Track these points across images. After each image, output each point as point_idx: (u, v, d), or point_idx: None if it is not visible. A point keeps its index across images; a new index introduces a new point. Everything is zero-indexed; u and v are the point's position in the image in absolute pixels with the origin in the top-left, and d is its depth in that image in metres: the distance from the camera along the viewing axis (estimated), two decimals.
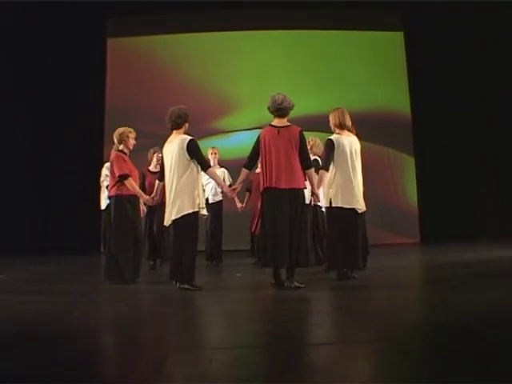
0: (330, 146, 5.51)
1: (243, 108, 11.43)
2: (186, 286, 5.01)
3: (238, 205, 7.89)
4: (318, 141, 6.91)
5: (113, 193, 5.76)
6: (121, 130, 5.94)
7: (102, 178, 7.15)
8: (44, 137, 11.34)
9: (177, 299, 4.81)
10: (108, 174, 6.45)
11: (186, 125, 5.30)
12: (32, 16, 10.89)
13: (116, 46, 11.67)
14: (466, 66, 11.11)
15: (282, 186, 4.92)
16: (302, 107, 11.26)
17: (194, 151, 5.10)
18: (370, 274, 5.87)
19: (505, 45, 10.71)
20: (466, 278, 5.48)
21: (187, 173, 5.06)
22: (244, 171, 5.28)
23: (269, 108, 5.17)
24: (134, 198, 5.81)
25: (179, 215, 5.02)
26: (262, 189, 5.08)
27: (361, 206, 5.54)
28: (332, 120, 5.70)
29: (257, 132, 10.80)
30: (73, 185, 10.88)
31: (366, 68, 11.56)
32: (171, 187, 5.10)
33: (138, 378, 2.44)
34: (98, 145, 10.84)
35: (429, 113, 11.21)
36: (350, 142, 5.58)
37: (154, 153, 7.47)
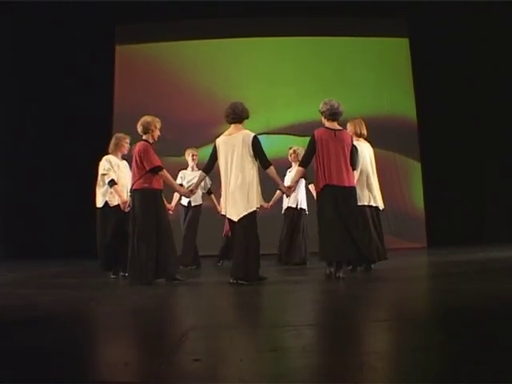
0: (355, 152, 5.73)
1: (251, 113, 11.38)
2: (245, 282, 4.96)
3: (219, 207, 7.72)
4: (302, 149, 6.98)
5: (138, 186, 5.40)
6: (148, 118, 5.66)
7: (103, 172, 6.07)
8: (51, 142, 11.41)
9: (193, 292, 4.86)
10: (110, 167, 6.03)
11: (245, 121, 5.38)
12: (40, 22, 11.02)
13: (124, 52, 11.78)
14: (471, 72, 11.18)
15: (345, 183, 5.28)
16: (309, 113, 11.33)
17: (258, 147, 5.16)
18: (381, 271, 5.96)
19: (510, 50, 10.79)
20: (477, 272, 5.53)
21: (251, 168, 5.10)
22: (300, 170, 5.56)
23: (323, 112, 5.51)
24: (161, 193, 5.57)
25: (249, 211, 5.02)
26: (321, 186, 5.30)
27: (381, 204, 6.33)
28: (351, 128, 6.22)
29: (264, 137, 11.17)
30: (79, 190, 10.91)
31: (372, 74, 11.64)
32: (234, 181, 5.07)
33: (162, 352, 2.49)
34: (105, 150, 10.89)
35: (435, 118, 11.26)
36: (367, 149, 6.27)
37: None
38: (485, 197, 11.58)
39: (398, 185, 11.56)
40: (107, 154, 6.35)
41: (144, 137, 5.60)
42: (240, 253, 4.95)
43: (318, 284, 5.10)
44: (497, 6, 10.18)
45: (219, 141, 5.26)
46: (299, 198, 7.44)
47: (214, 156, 5.27)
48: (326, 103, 5.53)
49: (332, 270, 5.22)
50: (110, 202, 6.03)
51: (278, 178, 5.37)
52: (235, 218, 5.04)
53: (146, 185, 5.38)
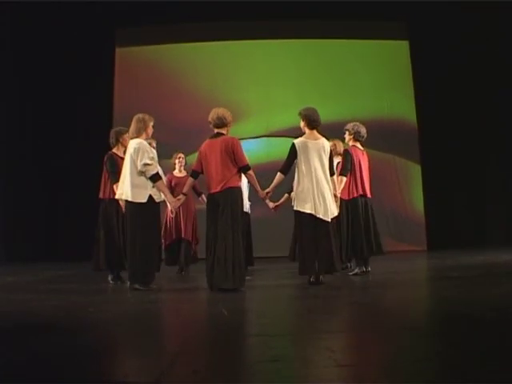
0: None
1: (251, 116, 11.49)
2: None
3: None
4: None
5: (234, 183, 5.06)
6: (226, 112, 5.31)
7: (147, 161, 5.18)
8: (51, 144, 11.38)
9: (192, 298, 4.84)
10: (154, 156, 5.28)
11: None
12: (41, 23, 11.01)
13: (124, 55, 11.76)
14: (471, 74, 11.17)
15: (370, 195, 6.35)
16: None
17: (332, 155, 5.61)
18: (381, 276, 5.97)
19: (510, 53, 10.79)
20: (477, 276, 5.52)
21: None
22: (342, 179, 6.10)
23: (354, 133, 6.32)
24: None
25: (337, 211, 5.54)
26: (354, 196, 6.17)
27: None
28: (333, 148, 6.40)
29: (265, 140, 11.19)
30: (79, 193, 10.92)
31: (372, 77, 11.63)
32: (322, 183, 5.35)
33: (160, 362, 2.47)
34: (105, 153, 10.85)
35: (435, 120, 11.26)
36: None
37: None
38: (485, 199, 11.56)
39: (397, 187, 11.56)
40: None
41: (218, 130, 5.26)
42: (333, 248, 5.32)
43: (312, 290, 5.02)
44: (496, 7, 10.18)
45: (300, 143, 5.45)
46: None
47: (293, 157, 5.43)
48: (357, 125, 6.34)
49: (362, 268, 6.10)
50: (155, 197, 5.25)
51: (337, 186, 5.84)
52: (328, 218, 5.34)
53: (240, 183, 5.21)
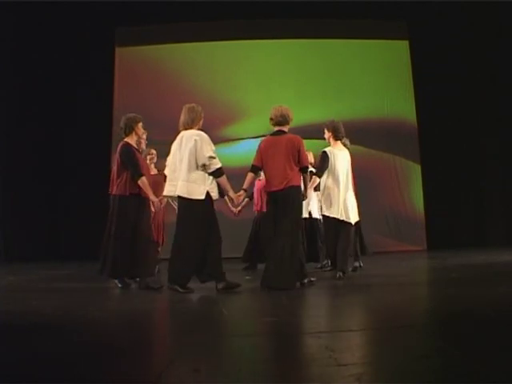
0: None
1: (250, 116, 11.50)
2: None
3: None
4: None
5: (296, 182, 5.08)
6: (290, 111, 5.32)
7: (211, 154, 4.80)
8: (51, 143, 11.38)
9: (194, 297, 4.84)
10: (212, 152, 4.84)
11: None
12: (41, 23, 11.02)
13: (124, 54, 11.76)
14: (471, 74, 11.18)
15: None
16: (309, 116, 11.35)
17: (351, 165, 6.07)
18: (381, 275, 5.96)
19: (509, 53, 10.79)
20: (477, 276, 5.53)
21: None
22: (317, 180, 6.16)
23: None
24: None
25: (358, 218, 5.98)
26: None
27: None
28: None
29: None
30: (79, 193, 10.95)
31: (372, 77, 11.64)
32: (350, 189, 5.86)
33: (160, 361, 2.47)
34: (105, 153, 10.88)
35: (435, 121, 11.27)
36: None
37: None
38: (485, 199, 11.56)
39: (397, 187, 11.57)
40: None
41: (278, 128, 5.26)
42: (348, 250, 5.73)
43: (311, 289, 5.03)
44: (496, 7, 10.19)
45: (330, 151, 5.81)
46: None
47: (327, 163, 5.76)
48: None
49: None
50: (213, 194, 4.86)
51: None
52: (353, 221, 5.80)
53: (301, 182, 5.22)
